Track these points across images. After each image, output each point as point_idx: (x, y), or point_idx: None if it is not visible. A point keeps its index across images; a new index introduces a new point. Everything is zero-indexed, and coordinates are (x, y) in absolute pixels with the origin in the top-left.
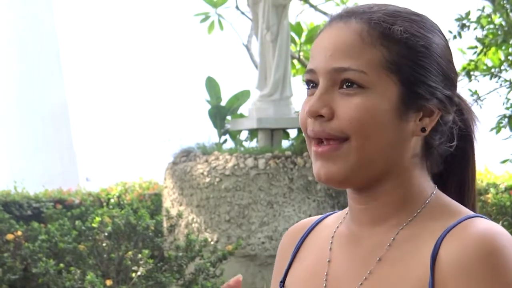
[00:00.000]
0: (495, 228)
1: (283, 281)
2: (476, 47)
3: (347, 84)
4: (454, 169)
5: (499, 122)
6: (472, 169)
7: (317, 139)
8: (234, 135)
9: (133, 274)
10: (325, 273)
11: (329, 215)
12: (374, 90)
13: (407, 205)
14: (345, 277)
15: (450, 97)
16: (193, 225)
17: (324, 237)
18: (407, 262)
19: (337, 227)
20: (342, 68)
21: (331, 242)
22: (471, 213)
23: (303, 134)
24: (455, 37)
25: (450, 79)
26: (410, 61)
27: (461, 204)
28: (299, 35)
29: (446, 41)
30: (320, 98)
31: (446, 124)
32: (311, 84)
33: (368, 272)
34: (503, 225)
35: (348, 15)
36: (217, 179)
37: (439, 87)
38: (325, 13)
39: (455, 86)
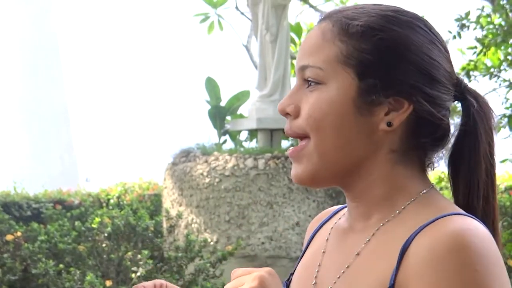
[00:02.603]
0: (471, 225)
1: (296, 267)
2: (475, 47)
3: (309, 81)
4: (460, 167)
5: (498, 122)
6: (479, 169)
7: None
8: (234, 135)
9: (133, 275)
10: (319, 264)
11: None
12: (330, 85)
13: (391, 201)
14: (332, 269)
15: (422, 90)
16: (193, 225)
17: (330, 228)
18: (379, 256)
19: (339, 218)
20: (304, 66)
21: (329, 234)
22: (458, 211)
23: None
24: (454, 37)
25: (427, 73)
26: (368, 55)
27: (471, 205)
28: (299, 36)
29: (428, 37)
30: (289, 97)
31: (432, 117)
32: None
33: (347, 266)
34: (502, 226)
35: (325, 17)
36: (217, 180)
37: (408, 80)
38: None
39: (436, 81)
